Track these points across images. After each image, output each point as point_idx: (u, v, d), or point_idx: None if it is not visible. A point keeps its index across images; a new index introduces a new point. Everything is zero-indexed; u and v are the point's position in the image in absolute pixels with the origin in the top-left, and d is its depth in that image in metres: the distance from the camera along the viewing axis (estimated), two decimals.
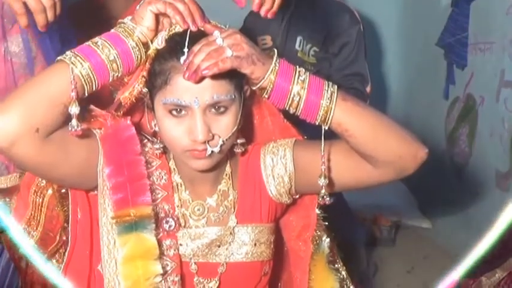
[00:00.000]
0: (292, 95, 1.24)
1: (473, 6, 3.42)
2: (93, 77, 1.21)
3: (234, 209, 1.44)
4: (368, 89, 2.67)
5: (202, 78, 1.22)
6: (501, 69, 3.14)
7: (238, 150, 1.40)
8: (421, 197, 3.78)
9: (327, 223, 1.48)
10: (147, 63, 1.28)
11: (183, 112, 1.27)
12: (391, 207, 3.55)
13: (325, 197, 1.32)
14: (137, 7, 1.27)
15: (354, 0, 3.53)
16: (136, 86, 1.30)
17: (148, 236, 1.29)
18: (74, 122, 1.18)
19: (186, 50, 1.23)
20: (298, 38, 2.72)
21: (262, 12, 1.30)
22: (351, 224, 2.82)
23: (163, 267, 1.33)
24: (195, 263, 1.42)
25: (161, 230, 1.37)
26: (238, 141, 1.39)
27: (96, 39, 1.24)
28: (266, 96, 1.25)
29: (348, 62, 2.69)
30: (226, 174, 1.45)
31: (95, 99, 1.30)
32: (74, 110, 1.18)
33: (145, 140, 1.41)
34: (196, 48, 1.22)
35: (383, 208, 3.49)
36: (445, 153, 3.73)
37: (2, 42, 1.64)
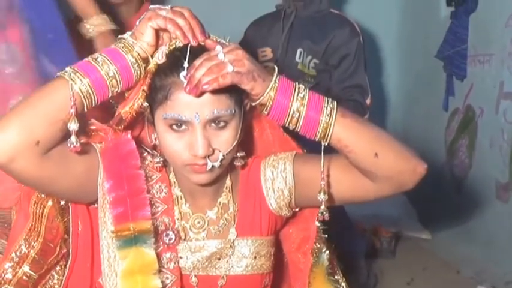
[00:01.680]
0: (291, 112, 1.24)
1: (473, 19, 3.43)
2: (93, 93, 1.21)
3: (234, 222, 1.44)
4: (368, 101, 2.67)
5: (202, 93, 1.23)
6: (500, 81, 3.16)
7: (238, 163, 1.41)
8: (421, 208, 3.78)
9: (326, 235, 1.48)
10: (147, 78, 1.28)
11: (183, 127, 1.27)
12: (391, 219, 3.55)
13: (324, 213, 1.32)
14: (137, 22, 1.27)
15: (354, 12, 3.57)
16: (136, 101, 1.29)
17: (147, 251, 1.29)
18: (73, 138, 1.18)
19: (186, 65, 1.23)
20: (299, 50, 2.74)
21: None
22: (351, 235, 2.81)
23: (163, 281, 1.33)
24: (195, 275, 1.42)
25: (161, 243, 1.38)
26: (239, 154, 1.39)
27: (96, 55, 1.24)
28: (266, 112, 1.26)
29: (347, 74, 2.70)
30: (227, 187, 1.45)
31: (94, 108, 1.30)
32: (73, 126, 1.18)
33: (146, 153, 1.41)
34: (197, 62, 1.22)
35: (383, 219, 3.48)
36: (445, 164, 3.73)
37: None
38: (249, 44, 2.70)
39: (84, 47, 1.96)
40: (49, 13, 1.80)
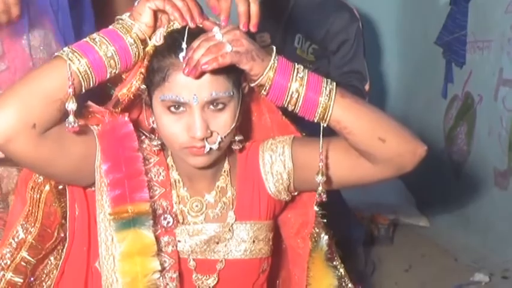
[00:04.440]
0: (290, 92, 1.24)
1: (472, 5, 3.42)
2: (91, 73, 1.21)
3: (233, 205, 1.43)
4: (366, 87, 2.67)
5: (201, 74, 1.22)
6: (499, 68, 3.15)
7: (236, 147, 1.40)
8: (419, 195, 3.78)
9: (325, 220, 1.48)
10: (145, 60, 1.28)
11: (181, 109, 1.27)
12: (389, 206, 3.55)
13: (322, 194, 1.32)
14: (135, 3, 1.27)
15: None
16: (134, 83, 1.29)
17: (146, 233, 1.29)
18: (71, 118, 1.18)
19: (184, 46, 1.22)
20: (297, 36, 2.73)
21: (252, 28, 1.29)
22: (349, 222, 2.81)
23: (161, 264, 1.33)
24: (193, 259, 1.42)
25: (159, 226, 1.37)
26: (237, 138, 1.38)
27: (94, 35, 1.24)
28: (264, 93, 1.26)
29: (346, 59, 2.69)
30: (225, 171, 1.44)
31: (92, 93, 1.29)
32: (71, 106, 1.18)
33: (143, 137, 1.41)
34: (195, 43, 1.22)
35: (381, 206, 3.49)
36: (444, 151, 3.73)
37: (25, 35, 1.62)
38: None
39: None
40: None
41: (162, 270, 1.34)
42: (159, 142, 1.38)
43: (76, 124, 1.19)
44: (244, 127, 1.45)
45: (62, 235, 1.39)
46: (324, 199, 1.33)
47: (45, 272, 1.41)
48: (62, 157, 1.25)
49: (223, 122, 1.29)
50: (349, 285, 1.52)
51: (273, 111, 1.48)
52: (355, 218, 3.11)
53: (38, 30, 1.64)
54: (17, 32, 1.59)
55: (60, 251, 1.40)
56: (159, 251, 1.34)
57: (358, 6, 2.89)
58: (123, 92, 1.31)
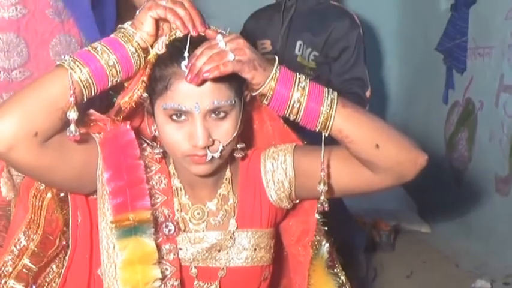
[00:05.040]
0: (292, 102, 1.24)
1: (473, 11, 3.43)
2: (92, 82, 1.21)
3: (234, 213, 1.44)
4: (367, 93, 2.67)
5: (203, 82, 1.22)
6: (500, 74, 3.15)
7: (238, 155, 1.40)
8: (420, 201, 3.78)
9: (326, 228, 1.48)
10: (147, 68, 1.28)
11: (183, 117, 1.27)
12: (391, 212, 3.55)
13: (324, 203, 1.32)
14: (137, 12, 1.27)
15: (353, 4, 3.56)
16: (136, 91, 1.30)
17: (147, 241, 1.29)
18: (72, 127, 1.18)
19: (186, 55, 1.23)
20: (298, 43, 2.73)
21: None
22: (350, 228, 2.81)
23: (162, 272, 1.33)
24: (195, 267, 1.42)
25: (161, 234, 1.37)
26: (238, 146, 1.38)
27: (96, 44, 1.24)
28: (266, 102, 1.26)
29: (347, 66, 2.69)
30: (226, 179, 1.45)
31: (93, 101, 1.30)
32: (72, 115, 1.18)
33: (145, 145, 1.41)
34: (198, 51, 1.22)
35: (382, 213, 3.49)
36: (445, 157, 3.73)
37: (49, 41, 1.63)
38: (248, 37, 2.68)
39: None
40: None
41: (164, 278, 1.34)
42: (161, 150, 1.38)
43: (77, 133, 1.19)
44: (246, 135, 1.45)
45: (64, 243, 1.40)
46: (325, 208, 1.33)
47: (47, 280, 1.41)
48: (63, 165, 1.25)
49: (225, 130, 1.29)
50: None
51: (275, 119, 1.48)
52: (356, 224, 3.11)
53: (64, 35, 1.64)
54: (45, 38, 1.60)
55: (62, 259, 1.40)
56: (161, 258, 1.34)
57: (359, 13, 2.90)
58: (125, 100, 1.31)
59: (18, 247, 1.35)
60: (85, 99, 1.23)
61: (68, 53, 1.58)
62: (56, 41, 1.63)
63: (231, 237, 1.42)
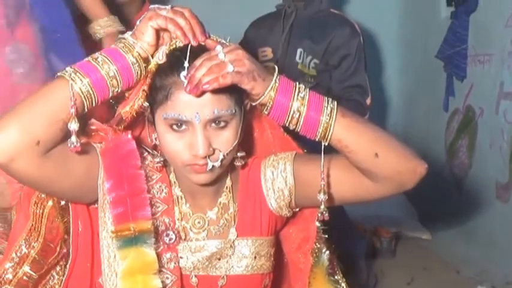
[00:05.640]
0: (292, 112, 1.25)
1: (473, 19, 3.43)
2: (93, 93, 1.21)
3: (235, 222, 1.44)
4: (368, 101, 2.68)
5: (203, 93, 1.23)
6: (500, 81, 3.16)
7: (238, 163, 1.41)
8: (421, 208, 3.78)
9: (326, 236, 1.48)
10: (148, 78, 1.28)
11: (183, 127, 1.28)
12: (391, 219, 3.55)
13: (324, 213, 1.32)
14: (137, 22, 1.28)
15: (354, 12, 3.57)
16: (137, 101, 1.29)
17: (148, 251, 1.29)
18: (73, 138, 1.18)
19: (186, 65, 1.23)
20: (299, 50, 2.74)
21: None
22: (351, 235, 2.81)
23: (163, 281, 1.33)
24: (195, 276, 1.42)
25: (161, 243, 1.38)
26: (239, 154, 1.39)
27: (96, 54, 1.24)
28: (266, 112, 1.26)
29: (348, 74, 2.70)
30: (227, 187, 1.45)
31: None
32: (73, 126, 1.18)
33: (146, 154, 1.41)
34: (198, 62, 1.22)
35: (383, 219, 3.49)
36: (445, 164, 3.73)
37: (3, 49, 1.63)
38: (249, 45, 2.70)
39: (90, 46, 1.95)
40: (58, 11, 1.79)
41: (165, 287, 1.35)
42: (162, 159, 1.38)
43: (78, 144, 1.19)
44: (246, 143, 1.46)
45: (65, 251, 1.40)
46: (325, 218, 1.33)
47: (48, 287, 1.41)
48: (64, 176, 1.25)
49: (226, 139, 1.29)
50: None
51: (275, 127, 1.48)
52: (357, 231, 3.11)
53: (15, 43, 1.64)
54: None
55: (63, 266, 1.41)
56: (161, 267, 1.34)
57: (359, 21, 2.91)
58: (126, 110, 1.31)
59: (19, 254, 1.35)
60: (86, 110, 1.23)
61: (20, 61, 1.59)
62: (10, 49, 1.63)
63: (231, 245, 1.43)
